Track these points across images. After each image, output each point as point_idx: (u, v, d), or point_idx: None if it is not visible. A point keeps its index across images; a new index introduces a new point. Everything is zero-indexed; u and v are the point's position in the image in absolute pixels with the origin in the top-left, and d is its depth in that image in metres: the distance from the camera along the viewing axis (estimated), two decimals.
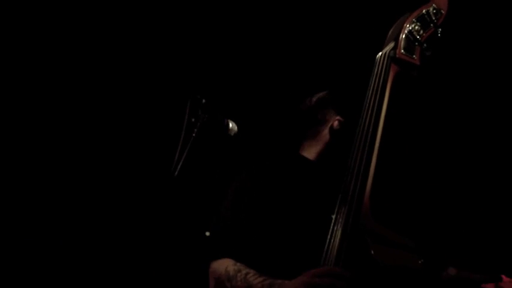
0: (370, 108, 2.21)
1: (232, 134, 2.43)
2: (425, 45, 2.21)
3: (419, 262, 2.16)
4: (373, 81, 2.23)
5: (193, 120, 2.26)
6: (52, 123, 3.58)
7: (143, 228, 3.31)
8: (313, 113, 2.69)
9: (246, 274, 2.32)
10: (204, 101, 2.30)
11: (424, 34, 2.22)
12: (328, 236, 2.14)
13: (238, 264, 2.36)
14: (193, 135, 2.23)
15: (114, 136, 3.58)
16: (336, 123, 2.63)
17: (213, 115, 2.33)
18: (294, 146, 2.72)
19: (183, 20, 3.68)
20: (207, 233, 2.47)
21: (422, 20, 2.22)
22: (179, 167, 2.15)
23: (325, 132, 2.64)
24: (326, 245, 2.14)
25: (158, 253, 3.34)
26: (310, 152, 2.67)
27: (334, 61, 3.72)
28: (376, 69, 2.24)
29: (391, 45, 2.24)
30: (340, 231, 2.12)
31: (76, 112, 3.60)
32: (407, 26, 2.21)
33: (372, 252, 2.06)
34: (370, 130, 2.18)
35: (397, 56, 2.20)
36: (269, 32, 3.75)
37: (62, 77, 3.59)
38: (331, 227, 2.15)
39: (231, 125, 2.42)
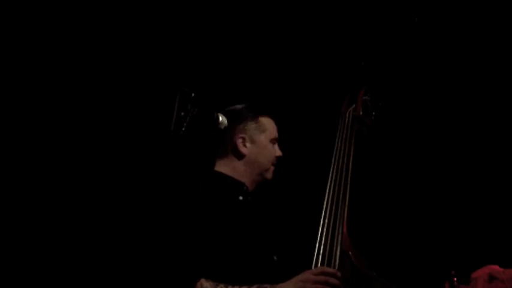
0: (341, 157, 2.58)
1: (222, 127, 2.42)
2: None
3: None
4: (340, 133, 2.64)
5: (182, 114, 2.24)
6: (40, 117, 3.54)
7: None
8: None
9: (226, 286, 2.36)
10: (193, 94, 2.27)
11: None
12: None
13: (213, 281, 2.38)
14: (183, 129, 2.21)
15: (102, 131, 3.53)
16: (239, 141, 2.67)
17: (203, 108, 2.31)
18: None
19: (171, 13, 3.64)
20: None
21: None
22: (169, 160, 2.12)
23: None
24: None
25: None
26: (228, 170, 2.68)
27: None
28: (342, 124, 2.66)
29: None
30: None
31: (61, 108, 3.55)
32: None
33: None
34: (343, 176, 2.52)
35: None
36: (258, 24, 3.72)
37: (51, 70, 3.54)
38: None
39: (221, 118, 2.41)
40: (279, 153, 2.72)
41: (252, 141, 2.67)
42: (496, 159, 3.57)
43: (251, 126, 2.68)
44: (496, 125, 3.56)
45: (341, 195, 2.48)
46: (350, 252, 2.38)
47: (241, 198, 2.65)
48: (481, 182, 3.52)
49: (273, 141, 2.71)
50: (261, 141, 2.68)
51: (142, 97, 3.48)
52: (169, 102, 2.27)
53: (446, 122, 3.64)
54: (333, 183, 2.52)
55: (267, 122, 2.72)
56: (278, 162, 2.72)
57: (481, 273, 2.65)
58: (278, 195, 2.89)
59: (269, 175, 2.70)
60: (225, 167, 2.67)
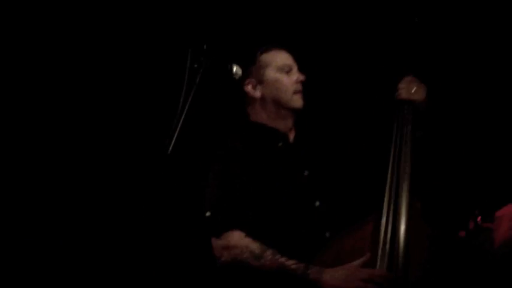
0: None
1: (237, 78, 2.37)
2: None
3: None
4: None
5: (195, 66, 2.20)
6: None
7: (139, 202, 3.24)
8: None
9: (273, 254, 2.33)
10: (205, 46, 2.23)
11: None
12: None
13: (256, 241, 2.36)
14: (197, 81, 2.17)
15: (112, 90, 3.49)
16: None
17: (216, 60, 2.26)
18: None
19: None
20: (208, 213, 2.45)
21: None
22: (182, 118, 2.09)
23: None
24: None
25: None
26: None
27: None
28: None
29: None
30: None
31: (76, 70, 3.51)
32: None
33: None
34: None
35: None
36: None
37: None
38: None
39: (235, 68, 2.36)
40: (297, 77, 2.61)
41: (260, 82, 2.61)
42: None
43: (253, 68, 2.62)
44: None
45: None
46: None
47: (280, 144, 2.60)
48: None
49: (282, 69, 2.61)
50: (267, 77, 2.60)
51: (153, 53, 3.41)
52: (182, 55, 2.24)
53: None
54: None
55: (268, 55, 2.63)
56: (302, 86, 2.61)
57: (505, 212, 2.63)
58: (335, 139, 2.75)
59: (296, 103, 2.60)
60: (254, 116, 2.63)
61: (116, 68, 3.47)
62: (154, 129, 3.21)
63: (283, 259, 2.31)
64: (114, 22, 3.45)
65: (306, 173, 2.55)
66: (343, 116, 3.31)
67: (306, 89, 2.65)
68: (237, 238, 2.37)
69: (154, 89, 3.42)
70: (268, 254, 2.32)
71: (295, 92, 2.60)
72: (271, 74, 2.60)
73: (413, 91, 2.59)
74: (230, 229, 2.39)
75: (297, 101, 2.60)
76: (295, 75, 2.62)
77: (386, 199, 2.39)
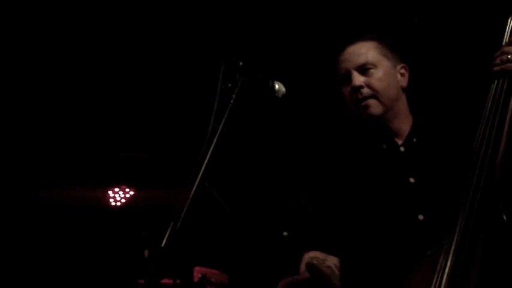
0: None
1: (280, 95, 2.08)
2: None
3: None
4: None
5: (229, 85, 1.96)
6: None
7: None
8: None
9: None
10: (241, 63, 2.00)
11: None
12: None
13: (315, 259, 2.14)
14: (232, 102, 1.91)
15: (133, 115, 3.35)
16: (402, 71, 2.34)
17: (255, 76, 2.02)
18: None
19: None
20: (285, 233, 2.31)
21: None
22: (215, 139, 1.84)
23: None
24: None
25: None
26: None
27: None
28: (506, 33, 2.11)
29: None
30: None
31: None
32: None
33: (505, 217, 1.92)
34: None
35: None
36: None
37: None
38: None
39: (277, 86, 2.08)
40: (352, 85, 2.29)
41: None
42: None
43: None
44: None
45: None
46: None
47: (385, 146, 2.31)
48: None
49: (343, 80, 2.32)
50: (341, 92, 2.34)
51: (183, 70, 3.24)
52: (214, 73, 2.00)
53: None
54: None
55: (336, 62, 2.35)
56: (361, 92, 2.28)
57: None
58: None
59: (363, 116, 2.29)
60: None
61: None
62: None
63: None
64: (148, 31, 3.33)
65: (411, 180, 2.22)
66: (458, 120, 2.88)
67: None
68: (307, 254, 2.18)
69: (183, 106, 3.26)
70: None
71: (355, 104, 2.30)
72: (340, 87, 2.35)
73: None
74: (310, 249, 2.19)
75: (363, 113, 2.29)
76: (351, 83, 2.31)
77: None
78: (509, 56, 1.99)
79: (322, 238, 2.22)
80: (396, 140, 2.31)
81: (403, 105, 2.33)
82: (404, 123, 2.32)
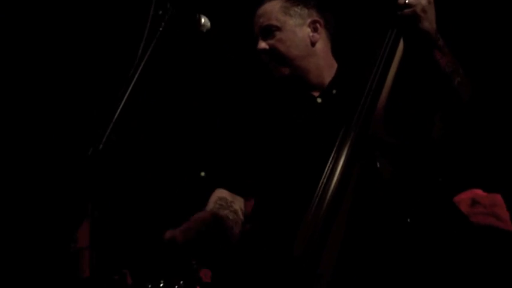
0: None
1: (204, 30, 2.17)
2: None
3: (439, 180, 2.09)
4: None
5: (160, 12, 2.03)
6: None
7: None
8: None
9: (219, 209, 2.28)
10: None
11: None
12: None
13: (218, 202, 2.30)
14: (160, 29, 1.99)
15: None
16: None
17: (183, 8, 2.09)
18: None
19: None
20: (202, 173, 2.42)
21: None
22: (142, 65, 1.91)
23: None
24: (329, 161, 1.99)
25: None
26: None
27: None
28: None
29: None
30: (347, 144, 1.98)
31: None
32: None
33: (378, 165, 1.94)
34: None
35: None
36: None
37: None
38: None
39: (203, 20, 2.17)
40: (256, 49, 2.40)
41: None
42: None
43: None
44: None
45: None
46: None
47: (301, 99, 2.40)
48: None
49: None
50: None
51: None
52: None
53: None
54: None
55: None
56: (261, 55, 2.38)
57: (463, 197, 2.58)
58: None
59: (274, 74, 2.38)
60: None
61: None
62: (109, 80, 3.03)
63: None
64: None
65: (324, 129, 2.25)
66: None
67: None
68: (213, 196, 2.33)
69: (113, 34, 3.25)
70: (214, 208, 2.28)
71: (264, 62, 2.39)
72: None
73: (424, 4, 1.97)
74: (218, 187, 2.33)
75: (273, 73, 2.38)
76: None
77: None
78: (406, 1, 1.94)
79: (233, 178, 2.34)
80: (314, 92, 2.37)
81: (315, 60, 2.37)
82: (321, 77, 2.37)
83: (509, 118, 3.20)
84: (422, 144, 2.09)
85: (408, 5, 1.94)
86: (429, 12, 1.94)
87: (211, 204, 2.31)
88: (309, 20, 2.38)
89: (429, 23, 1.95)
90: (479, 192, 2.68)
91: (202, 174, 2.42)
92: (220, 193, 2.34)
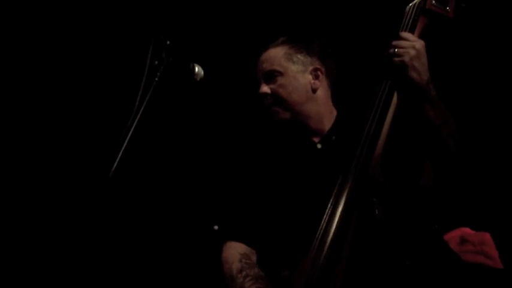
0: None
1: (198, 79, 2.25)
2: None
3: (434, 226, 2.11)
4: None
5: (156, 63, 2.10)
6: None
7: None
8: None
9: (245, 277, 2.23)
10: (168, 42, 2.14)
11: None
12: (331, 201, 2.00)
13: (243, 260, 2.28)
14: (156, 79, 2.07)
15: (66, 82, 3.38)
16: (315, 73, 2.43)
17: (178, 58, 2.17)
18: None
19: None
20: (216, 227, 2.43)
21: None
22: (139, 114, 1.99)
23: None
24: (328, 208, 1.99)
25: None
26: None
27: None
28: (403, 21, 2.03)
29: None
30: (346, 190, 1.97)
31: None
32: None
33: (377, 212, 1.95)
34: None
35: (427, 7, 2.01)
36: None
37: None
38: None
39: (197, 69, 2.25)
40: (258, 93, 2.44)
41: None
42: None
43: None
44: None
45: None
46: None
47: (301, 145, 2.43)
48: None
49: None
50: None
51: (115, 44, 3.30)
52: (143, 50, 2.14)
53: None
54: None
55: None
56: (267, 99, 2.41)
57: (453, 235, 2.59)
58: None
59: (274, 119, 2.40)
60: None
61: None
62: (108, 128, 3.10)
63: (248, 284, 2.23)
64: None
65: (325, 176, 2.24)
66: None
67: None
68: (231, 251, 2.32)
69: (111, 84, 3.31)
70: (241, 276, 2.25)
71: (266, 110, 2.43)
72: None
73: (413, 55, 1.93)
74: (232, 239, 2.34)
75: (273, 118, 2.42)
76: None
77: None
78: (396, 50, 1.94)
79: (243, 229, 2.35)
80: (314, 138, 2.39)
81: (316, 106, 2.40)
82: (321, 123, 2.40)
83: (496, 160, 3.25)
84: (413, 191, 2.10)
85: (397, 55, 1.93)
86: (419, 62, 1.92)
87: (236, 263, 2.29)
88: (311, 68, 2.43)
89: (418, 73, 1.92)
90: (467, 230, 2.68)
91: (216, 228, 2.43)
92: (239, 248, 2.34)
